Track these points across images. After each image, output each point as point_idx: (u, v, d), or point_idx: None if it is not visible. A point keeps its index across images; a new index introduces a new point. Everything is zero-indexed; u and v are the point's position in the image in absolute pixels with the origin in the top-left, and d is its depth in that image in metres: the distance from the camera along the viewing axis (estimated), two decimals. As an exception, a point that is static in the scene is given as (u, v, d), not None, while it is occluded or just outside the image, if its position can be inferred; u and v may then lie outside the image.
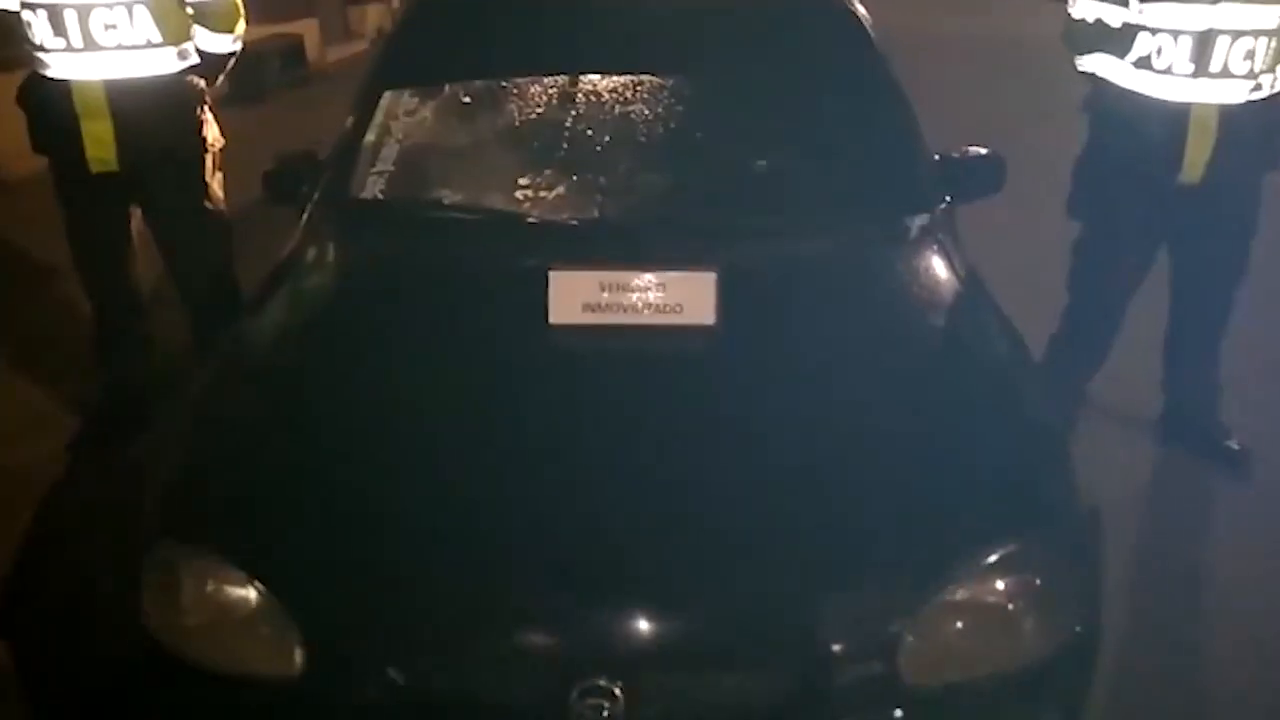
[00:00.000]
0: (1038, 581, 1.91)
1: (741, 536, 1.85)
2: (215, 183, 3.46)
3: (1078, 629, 1.94)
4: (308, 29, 9.34)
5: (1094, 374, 3.66)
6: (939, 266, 2.55)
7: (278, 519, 1.93)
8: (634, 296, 2.29)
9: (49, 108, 3.19)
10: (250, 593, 1.84)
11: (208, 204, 3.43)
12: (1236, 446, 3.54)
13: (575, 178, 2.78)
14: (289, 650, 1.81)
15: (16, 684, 2.65)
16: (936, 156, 2.92)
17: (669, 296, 2.29)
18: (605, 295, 2.29)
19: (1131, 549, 3.11)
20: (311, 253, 2.69)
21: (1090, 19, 3.20)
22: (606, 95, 2.95)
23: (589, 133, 2.89)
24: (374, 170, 2.86)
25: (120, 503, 2.66)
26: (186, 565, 1.91)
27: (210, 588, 1.89)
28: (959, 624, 1.85)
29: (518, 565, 1.83)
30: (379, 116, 2.94)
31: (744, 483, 1.94)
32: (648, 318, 2.29)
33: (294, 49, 8.97)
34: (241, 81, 7.87)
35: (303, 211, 2.84)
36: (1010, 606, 1.88)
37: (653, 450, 2.00)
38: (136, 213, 3.44)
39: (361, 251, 2.68)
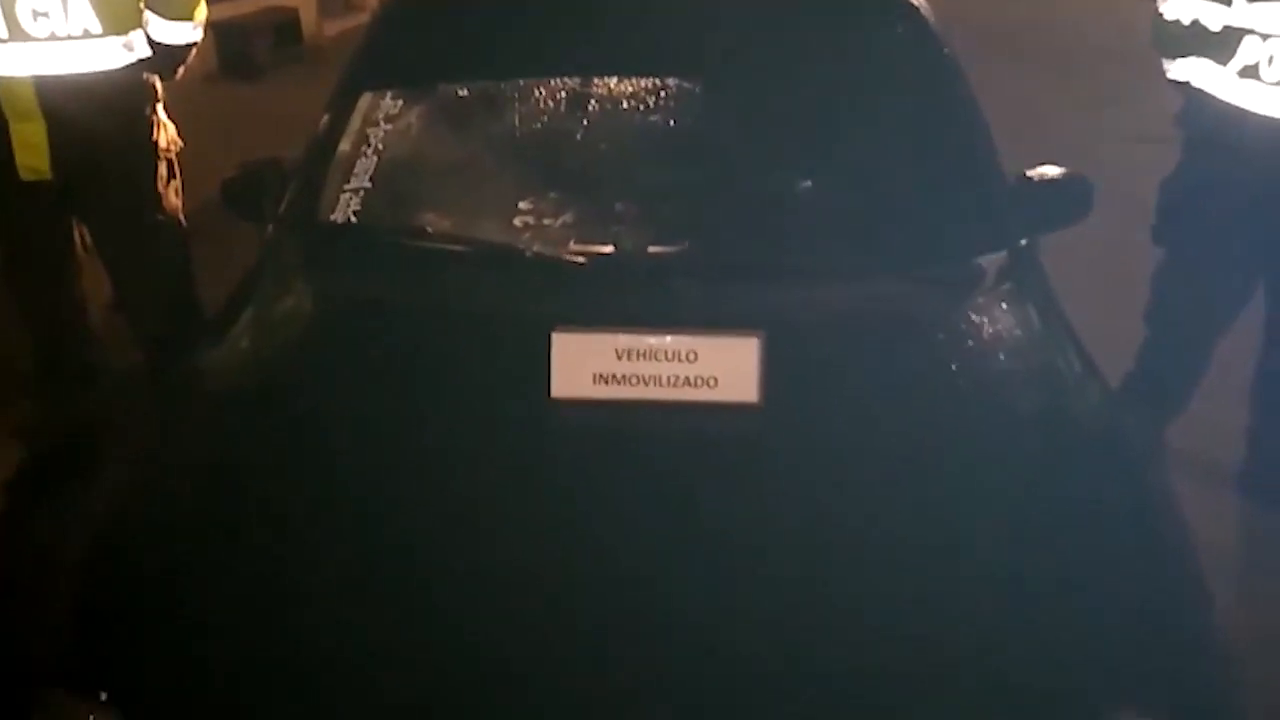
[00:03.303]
0: None
1: None
2: (171, 191, 3.03)
3: None
4: (303, 1, 8.85)
5: (1172, 421, 3.24)
6: (1034, 327, 2.14)
7: (202, 673, 1.52)
8: (657, 366, 1.86)
9: None
10: None
11: (160, 216, 3.00)
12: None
13: (587, 204, 2.34)
14: None
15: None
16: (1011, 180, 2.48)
17: (701, 367, 1.86)
18: (621, 364, 1.87)
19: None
20: (269, 287, 2.28)
21: (1185, 19, 2.79)
22: (626, 103, 2.50)
23: (604, 148, 2.45)
24: (347, 187, 2.42)
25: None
26: None
27: None
28: None
29: None
30: (355, 122, 2.52)
31: (805, 644, 1.50)
32: (674, 393, 1.86)
33: (288, 22, 8.46)
34: (231, 59, 7.50)
35: (266, 229, 2.44)
36: None
37: (679, 585, 1.56)
38: (82, 226, 3.02)
39: (328, 289, 2.27)
